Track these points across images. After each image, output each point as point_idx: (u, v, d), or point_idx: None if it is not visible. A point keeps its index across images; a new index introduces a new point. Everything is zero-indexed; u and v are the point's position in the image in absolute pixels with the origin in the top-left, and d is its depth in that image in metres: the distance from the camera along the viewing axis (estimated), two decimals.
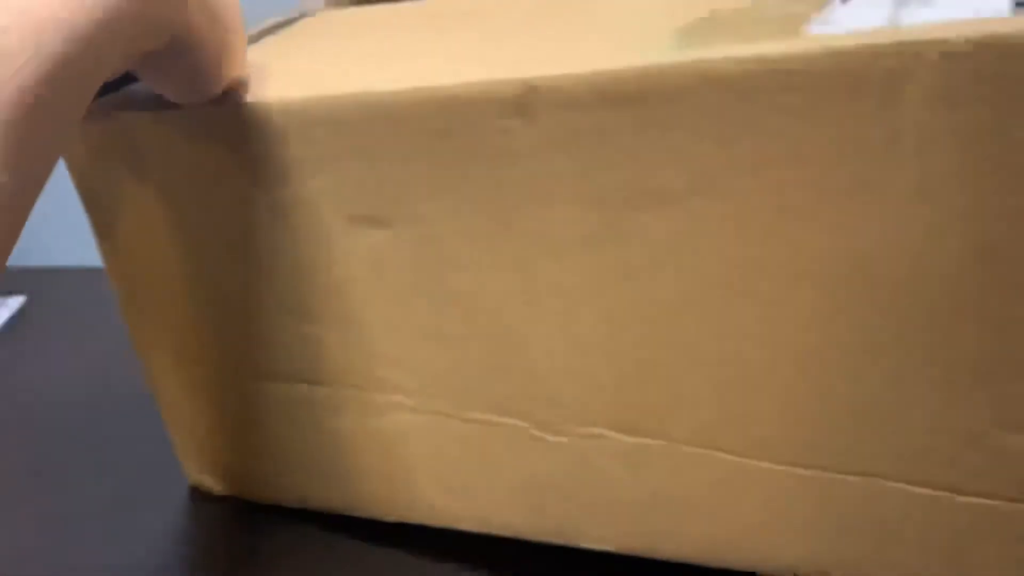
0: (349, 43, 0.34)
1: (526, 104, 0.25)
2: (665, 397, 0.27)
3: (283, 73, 0.31)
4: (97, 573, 0.37)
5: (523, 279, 0.27)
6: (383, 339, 0.31)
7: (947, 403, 0.24)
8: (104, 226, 0.34)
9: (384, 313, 0.30)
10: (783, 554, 0.28)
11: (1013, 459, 0.24)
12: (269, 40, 0.36)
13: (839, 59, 0.22)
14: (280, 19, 0.39)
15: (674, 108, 0.24)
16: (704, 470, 0.27)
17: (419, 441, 0.32)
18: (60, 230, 0.75)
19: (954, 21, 0.22)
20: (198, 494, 0.40)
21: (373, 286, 0.30)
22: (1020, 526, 0.24)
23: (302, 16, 0.39)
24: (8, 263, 0.26)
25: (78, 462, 0.45)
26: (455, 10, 0.34)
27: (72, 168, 0.33)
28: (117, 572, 0.37)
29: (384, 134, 0.27)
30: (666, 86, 0.23)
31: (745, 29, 0.25)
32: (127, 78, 0.29)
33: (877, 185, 0.23)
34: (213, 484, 0.39)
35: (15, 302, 0.60)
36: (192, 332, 0.35)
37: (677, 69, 0.23)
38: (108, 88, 0.31)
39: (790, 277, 0.24)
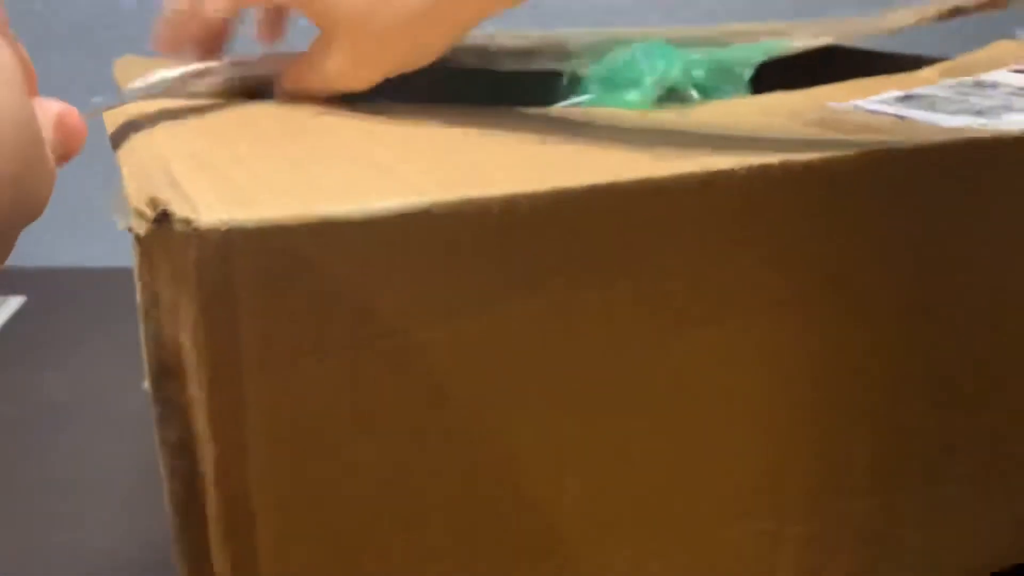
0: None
1: None
2: None
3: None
4: (103, 571, 0.37)
5: None
6: None
7: None
8: None
9: None
10: None
11: None
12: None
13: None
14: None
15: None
16: None
17: None
18: (60, 230, 0.75)
19: None
20: None
21: None
22: None
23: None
24: (8, 263, 0.26)
25: (79, 462, 0.45)
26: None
27: None
28: (126, 570, 0.37)
29: None
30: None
31: None
32: None
33: None
34: None
35: (15, 302, 0.60)
36: None
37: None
38: None
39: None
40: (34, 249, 0.56)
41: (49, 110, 0.24)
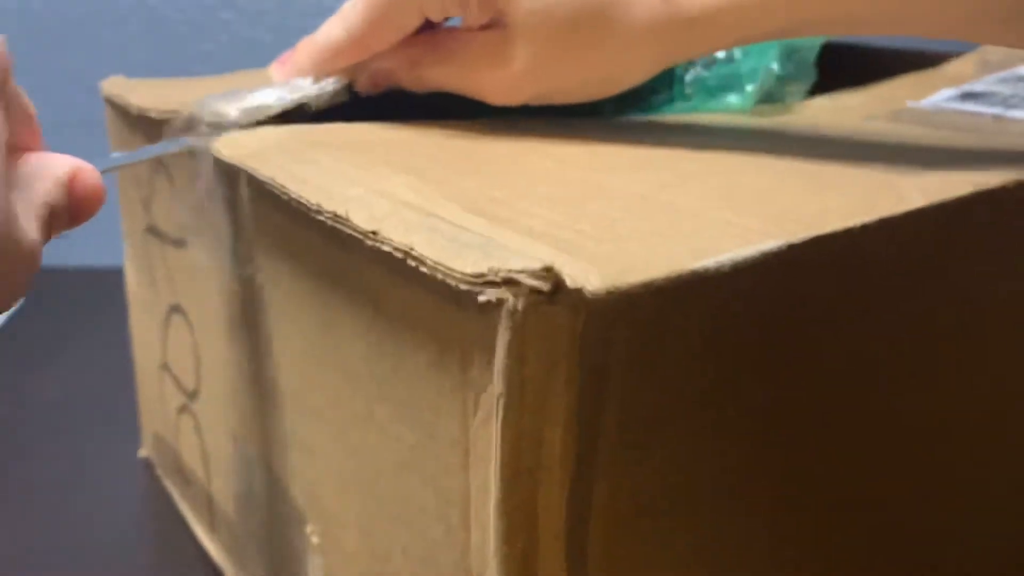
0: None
1: None
2: None
3: None
4: (99, 571, 0.37)
5: None
6: None
7: None
8: None
9: None
10: None
11: None
12: None
13: None
14: None
15: None
16: None
17: None
18: None
19: None
20: None
21: None
22: None
23: None
24: None
25: (74, 462, 0.44)
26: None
27: None
28: (122, 570, 0.37)
29: None
30: None
31: None
32: None
33: None
34: None
35: None
36: None
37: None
38: None
39: None
40: None
41: (58, 167, 0.21)
